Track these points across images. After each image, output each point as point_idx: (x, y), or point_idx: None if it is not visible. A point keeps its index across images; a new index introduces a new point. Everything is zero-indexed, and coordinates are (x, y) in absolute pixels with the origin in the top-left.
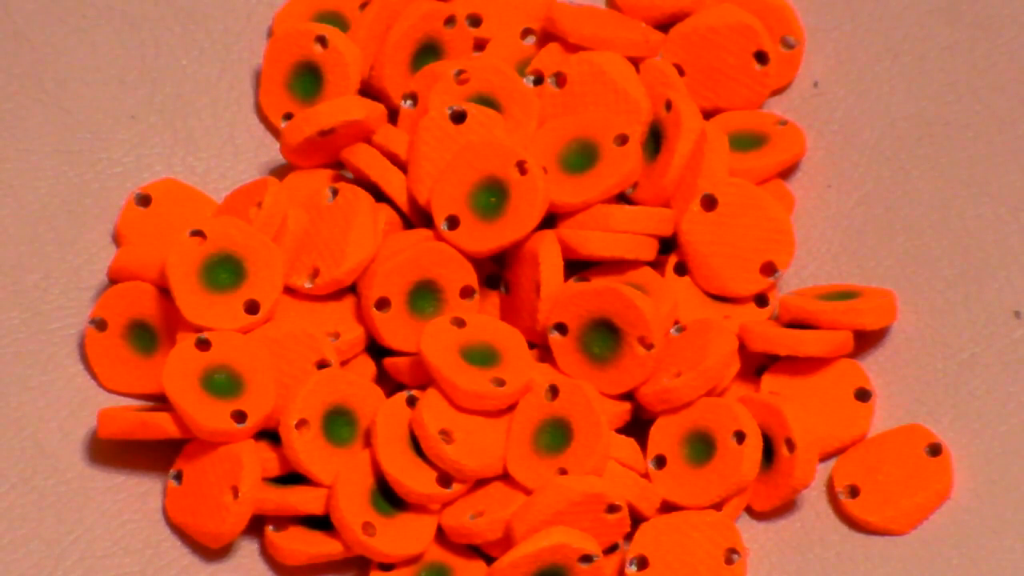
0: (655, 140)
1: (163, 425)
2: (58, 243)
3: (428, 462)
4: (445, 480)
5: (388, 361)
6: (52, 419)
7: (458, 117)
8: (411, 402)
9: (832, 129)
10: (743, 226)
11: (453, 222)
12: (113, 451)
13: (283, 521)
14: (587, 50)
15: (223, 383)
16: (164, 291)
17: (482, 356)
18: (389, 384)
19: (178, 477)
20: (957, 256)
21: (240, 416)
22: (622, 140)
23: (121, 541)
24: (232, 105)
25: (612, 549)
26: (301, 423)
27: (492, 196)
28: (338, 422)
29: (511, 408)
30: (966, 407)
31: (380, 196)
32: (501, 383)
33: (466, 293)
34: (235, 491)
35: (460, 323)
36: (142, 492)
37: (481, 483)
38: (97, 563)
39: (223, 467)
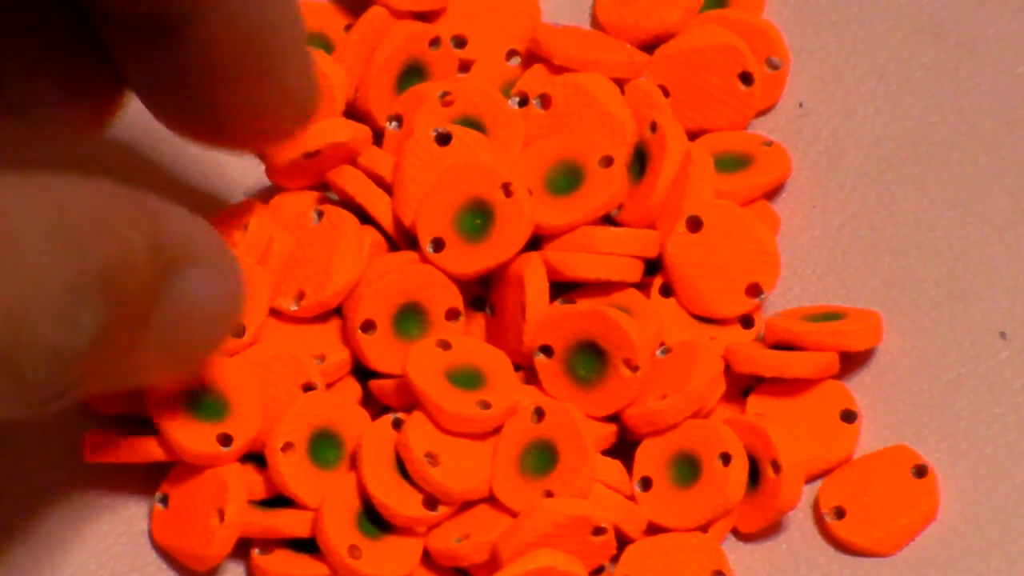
0: (640, 161)
1: (149, 449)
2: None
3: (414, 485)
4: (431, 503)
5: (373, 383)
6: (37, 442)
7: (443, 139)
8: (397, 425)
9: (817, 150)
10: (728, 247)
11: (438, 244)
12: (99, 474)
13: (269, 544)
14: (572, 71)
15: (209, 406)
16: None
17: (467, 379)
18: (375, 406)
19: (164, 500)
20: (943, 277)
21: (226, 439)
22: (607, 162)
23: (108, 564)
24: None
25: (598, 571)
26: (287, 446)
27: (477, 218)
28: (324, 445)
29: (497, 431)
30: (952, 428)
31: (365, 218)
32: (487, 406)
33: (452, 315)
34: (221, 514)
35: (446, 346)
36: (128, 515)
37: (467, 506)
38: None
39: (209, 490)
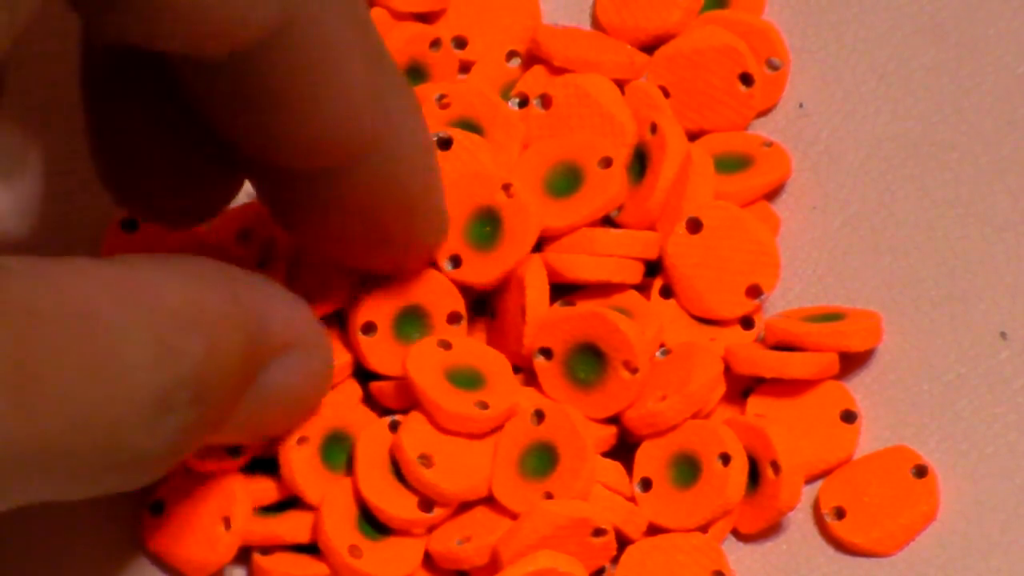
0: (640, 163)
1: None
2: None
3: (409, 487)
4: (426, 505)
5: (374, 385)
6: None
7: (444, 144)
8: (394, 427)
9: (817, 150)
10: (728, 248)
11: (456, 261)
12: None
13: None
14: (572, 72)
15: None
16: None
17: (467, 379)
18: (375, 409)
19: (158, 507)
20: (943, 277)
21: (235, 449)
22: (607, 163)
23: (102, 571)
24: None
25: (599, 573)
26: (302, 439)
27: (486, 225)
28: (336, 448)
29: (494, 431)
30: (952, 428)
31: None
32: (484, 406)
33: (453, 319)
34: (227, 522)
35: (446, 345)
36: (124, 522)
37: (466, 508)
38: None
39: (214, 498)
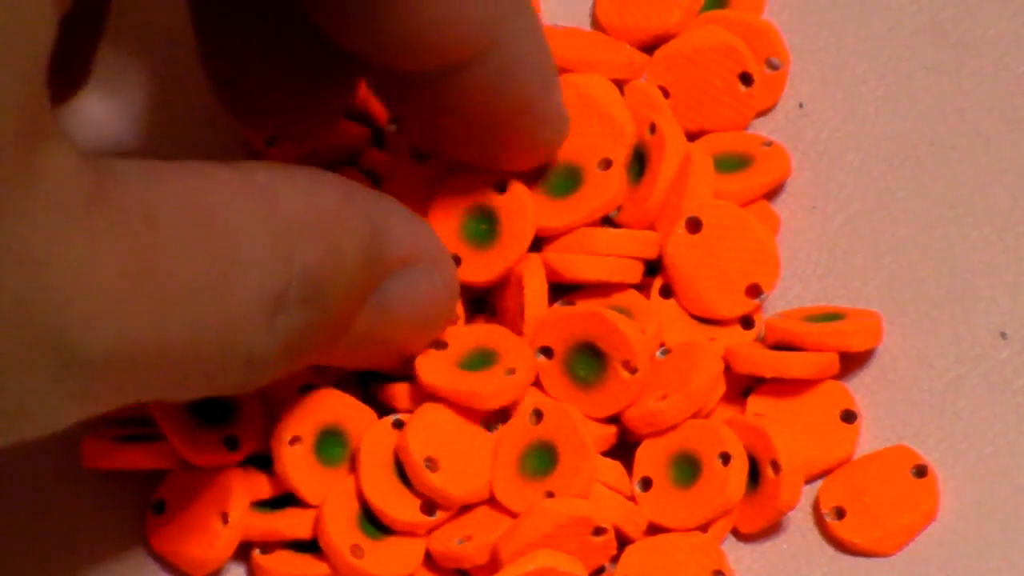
0: (639, 162)
1: (148, 455)
2: None
3: (412, 489)
4: (429, 507)
5: (376, 386)
6: (36, 446)
7: None
8: (398, 426)
9: (817, 150)
10: (728, 248)
11: (456, 261)
12: (97, 480)
13: (270, 544)
14: (572, 72)
15: (213, 409)
16: None
17: (481, 360)
18: (376, 408)
19: (160, 506)
20: (943, 277)
21: (232, 442)
22: (607, 164)
23: (105, 570)
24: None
25: (599, 572)
26: (294, 439)
27: (482, 223)
28: (330, 443)
29: (497, 425)
30: (952, 428)
31: None
32: (512, 372)
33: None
34: (224, 517)
35: (441, 345)
36: (126, 521)
37: (467, 508)
38: None
39: (211, 493)
